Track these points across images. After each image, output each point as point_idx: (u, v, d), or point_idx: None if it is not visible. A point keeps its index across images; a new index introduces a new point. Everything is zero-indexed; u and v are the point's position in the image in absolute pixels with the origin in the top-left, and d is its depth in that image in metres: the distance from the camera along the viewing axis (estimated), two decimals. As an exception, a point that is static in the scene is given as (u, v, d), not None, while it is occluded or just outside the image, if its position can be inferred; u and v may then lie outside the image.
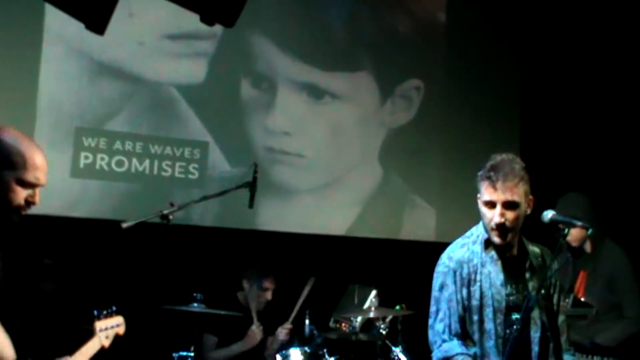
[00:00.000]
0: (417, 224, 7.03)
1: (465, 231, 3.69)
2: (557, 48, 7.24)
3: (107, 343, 3.73)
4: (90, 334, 3.69)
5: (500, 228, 3.45)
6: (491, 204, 3.47)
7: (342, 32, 6.97)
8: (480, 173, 3.53)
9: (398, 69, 7.11)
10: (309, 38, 6.84)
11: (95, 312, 3.76)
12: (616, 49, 6.95)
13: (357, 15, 7.04)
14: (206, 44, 6.49)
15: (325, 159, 6.85)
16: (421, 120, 7.10)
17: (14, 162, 2.88)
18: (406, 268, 6.42)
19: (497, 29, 7.41)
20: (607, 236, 5.34)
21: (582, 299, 5.19)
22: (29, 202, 2.96)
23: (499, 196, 3.44)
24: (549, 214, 3.50)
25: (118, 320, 3.83)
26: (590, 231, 4.29)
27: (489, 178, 3.47)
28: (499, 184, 3.44)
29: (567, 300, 5.26)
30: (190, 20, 6.35)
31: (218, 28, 6.36)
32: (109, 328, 3.76)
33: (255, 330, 5.57)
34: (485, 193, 3.48)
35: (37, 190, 3.00)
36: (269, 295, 5.79)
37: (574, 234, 5.17)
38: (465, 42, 7.32)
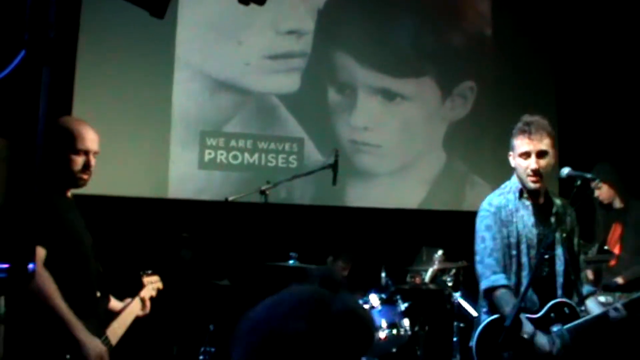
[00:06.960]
0: (476, 198, 6.81)
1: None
2: (585, 48, 7.24)
3: (154, 293, 3.63)
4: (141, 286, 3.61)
5: (536, 173, 3.48)
6: (527, 154, 3.49)
7: (409, 46, 7.04)
8: (515, 129, 3.56)
9: (455, 73, 7.16)
10: (382, 52, 6.92)
11: (141, 272, 3.66)
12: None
13: (420, 32, 7.11)
14: (299, 61, 6.65)
15: (398, 148, 6.89)
16: (475, 114, 7.14)
17: (66, 139, 2.93)
18: (468, 232, 6.48)
19: (533, 35, 7.40)
20: (632, 196, 5.37)
21: (605, 247, 5.19)
22: (86, 166, 2.98)
23: (535, 146, 3.47)
24: (565, 170, 3.51)
25: (157, 277, 3.73)
26: (597, 180, 4.35)
27: (524, 132, 3.50)
28: (533, 136, 3.47)
29: (592, 249, 5.32)
30: (285, 44, 6.68)
31: (308, 47, 6.57)
32: (153, 282, 3.66)
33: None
34: (522, 145, 3.51)
35: (92, 156, 3.00)
36: (345, 273, 5.93)
37: (604, 193, 5.28)
38: (508, 48, 7.33)
